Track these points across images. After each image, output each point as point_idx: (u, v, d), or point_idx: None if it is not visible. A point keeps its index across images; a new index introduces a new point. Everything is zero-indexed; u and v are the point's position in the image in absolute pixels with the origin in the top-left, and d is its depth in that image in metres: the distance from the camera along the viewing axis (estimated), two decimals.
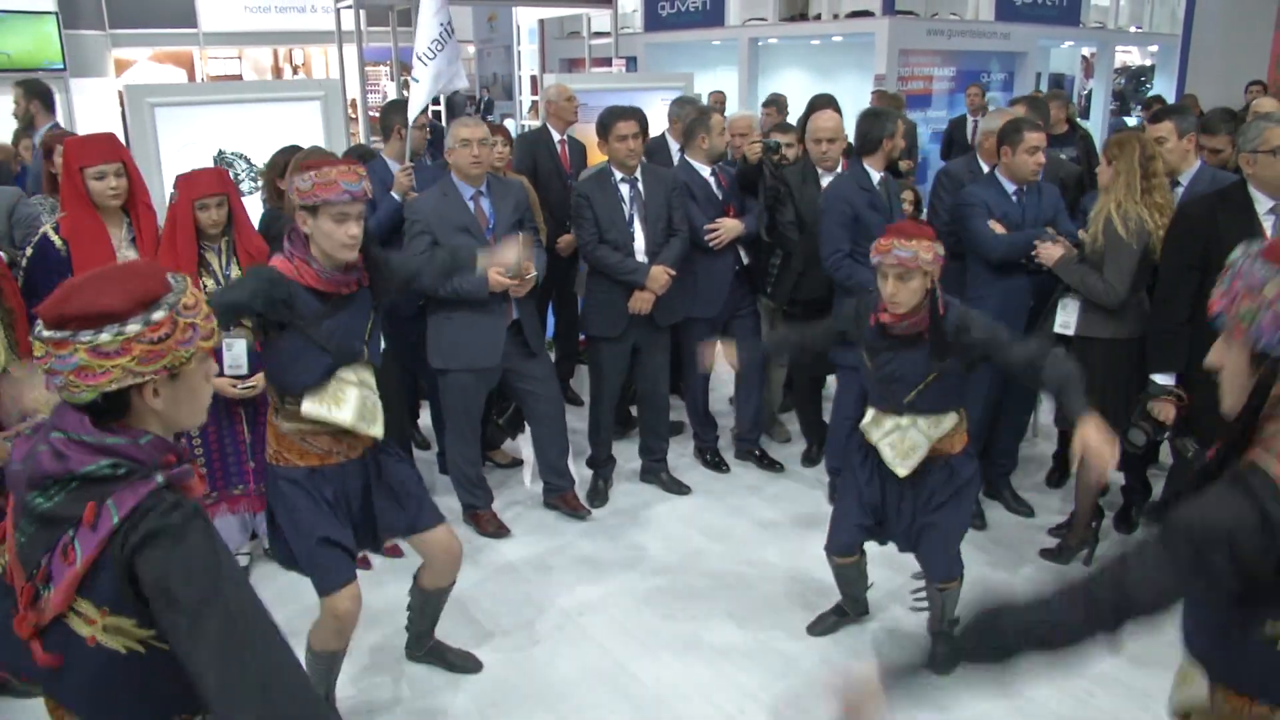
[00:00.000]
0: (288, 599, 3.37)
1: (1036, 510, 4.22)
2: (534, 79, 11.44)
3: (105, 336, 1.31)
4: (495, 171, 4.22)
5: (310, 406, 2.56)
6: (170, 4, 12.68)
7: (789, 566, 3.83)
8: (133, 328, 1.32)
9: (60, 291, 1.36)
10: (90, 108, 11.89)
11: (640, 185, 4.17)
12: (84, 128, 10.52)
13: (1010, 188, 3.88)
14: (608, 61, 9.70)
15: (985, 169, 4.17)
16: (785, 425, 5.14)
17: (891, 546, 3.26)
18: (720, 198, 4.43)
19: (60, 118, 11.47)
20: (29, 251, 3.38)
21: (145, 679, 1.39)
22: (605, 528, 4.19)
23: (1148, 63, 16.17)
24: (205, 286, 3.35)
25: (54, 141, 4.17)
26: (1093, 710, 2.96)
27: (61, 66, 11.65)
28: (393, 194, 4.16)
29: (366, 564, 3.66)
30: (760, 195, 4.47)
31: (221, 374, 3.38)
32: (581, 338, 5.05)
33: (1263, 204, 3.22)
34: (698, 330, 4.53)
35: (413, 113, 4.28)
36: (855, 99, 7.97)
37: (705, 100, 8.03)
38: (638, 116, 4.18)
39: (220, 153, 4.72)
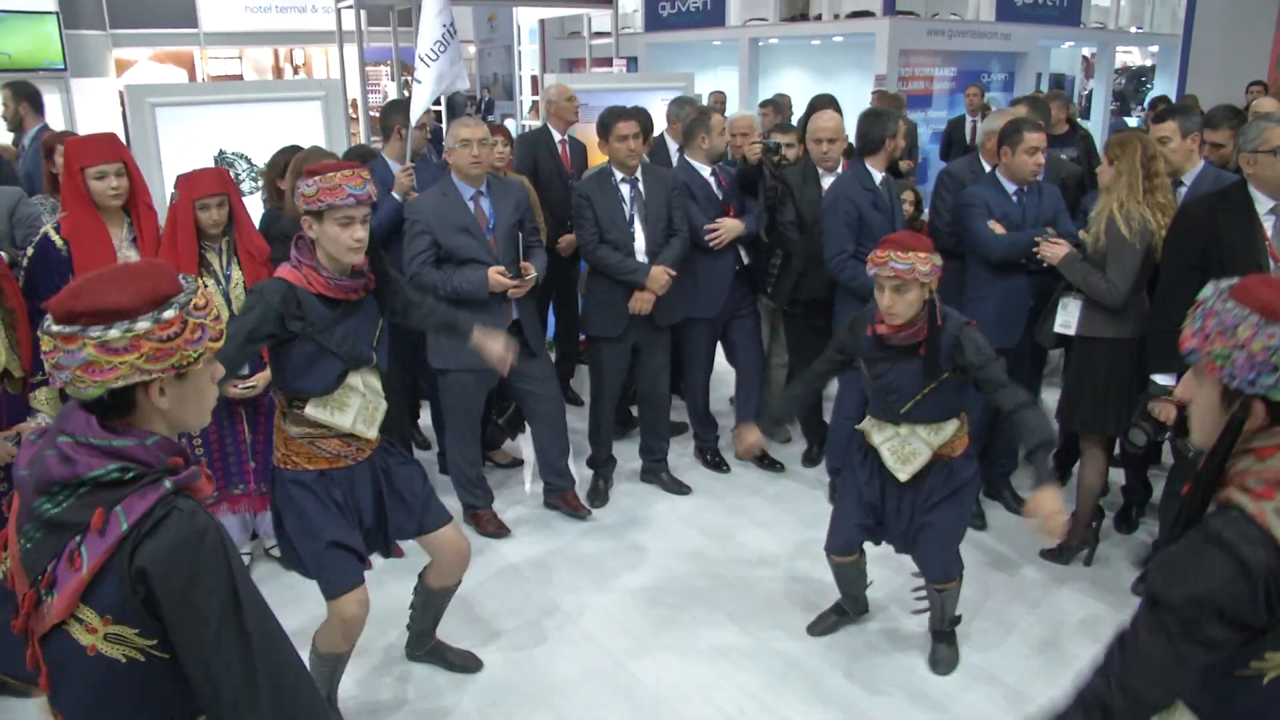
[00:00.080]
0: (288, 599, 3.37)
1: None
2: (534, 79, 11.43)
3: (114, 333, 1.31)
4: (495, 171, 4.22)
5: (313, 410, 2.57)
6: (171, 4, 12.68)
7: (789, 566, 3.83)
8: (142, 325, 1.33)
9: (71, 287, 1.36)
10: (91, 108, 11.90)
11: (641, 185, 4.17)
12: (85, 128, 10.52)
13: (1011, 188, 3.88)
14: (608, 61, 9.70)
15: (987, 169, 4.17)
16: (785, 426, 5.14)
17: (889, 547, 3.26)
18: (720, 198, 4.43)
19: (61, 118, 11.54)
20: (30, 251, 3.38)
21: (142, 687, 1.39)
22: (606, 528, 4.19)
23: (1148, 63, 16.18)
24: (205, 286, 3.35)
25: (54, 141, 4.18)
26: None
27: (62, 66, 11.65)
28: (393, 194, 4.16)
29: (367, 564, 3.66)
30: (760, 196, 4.47)
31: None
32: (582, 338, 5.05)
33: (1263, 204, 3.21)
34: (698, 330, 4.53)
35: (415, 113, 4.28)
36: (856, 99, 7.97)
37: (706, 100, 8.03)
38: (639, 117, 4.18)
39: (221, 153, 4.73)
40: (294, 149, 3.94)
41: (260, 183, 4.47)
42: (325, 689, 2.82)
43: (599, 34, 10.32)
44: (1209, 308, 1.41)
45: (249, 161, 4.77)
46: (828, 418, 4.59)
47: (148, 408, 1.39)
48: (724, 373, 4.99)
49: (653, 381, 4.43)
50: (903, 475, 2.96)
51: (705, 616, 3.50)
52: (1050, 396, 4.80)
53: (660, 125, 5.31)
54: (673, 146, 5.26)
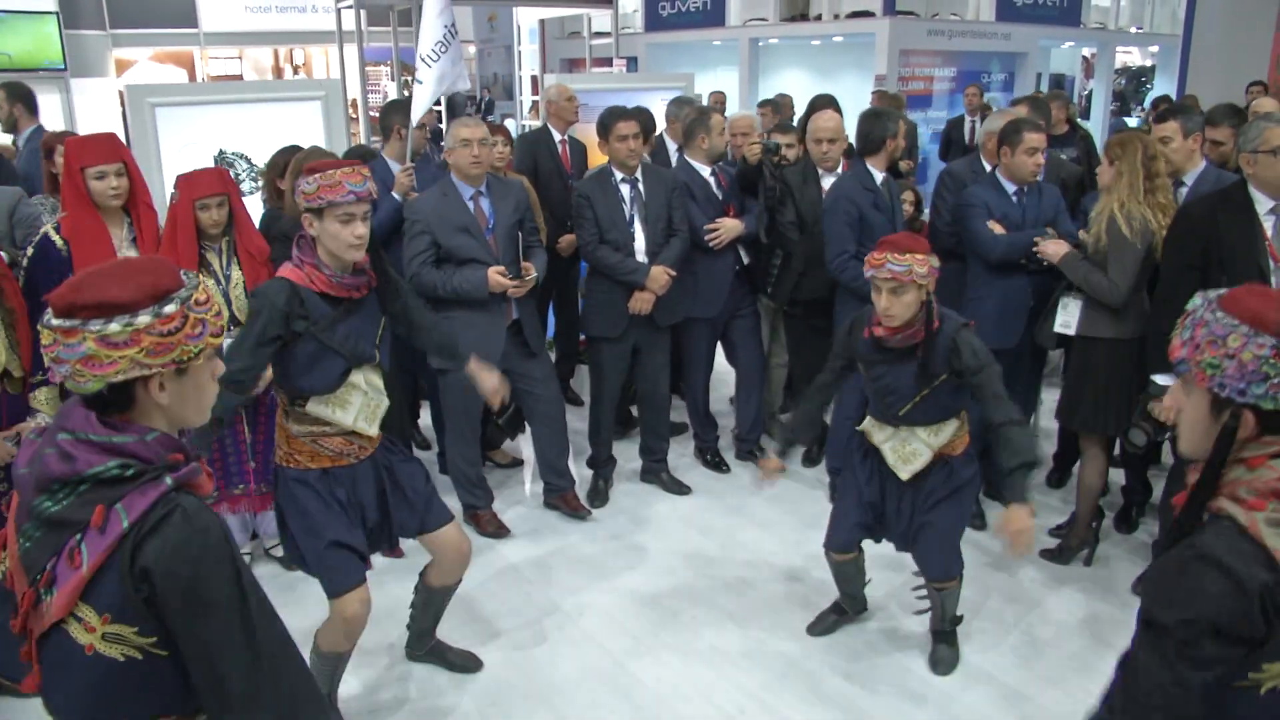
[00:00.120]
0: (289, 600, 3.37)
1: (1037, 510, 4.18)
2: (534, 79, 11.43)
3: (115, 326, 1.31)
4: (495, 172, 4.22)
5: (315, 408, 2.58)
6: (171, 4, 12.68)
7: (789, 566, 3.83)
8: (143, 319, 1.32)
9: (71, 281, 1.36)
10: (91, 108, 11.90)
11: (641, 185, 4.17)
12: (85, 128, 10.52)
13: (1010, 188, 3.88)
14: (608, 62, 9.71)
15: (988, 169, 4.17)
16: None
17: (889, 547, 3.26)
18: (720, 198, 4.43)
19: (61, 118, 11.54)
20: (30, 251, 3.38)
21: (140, 685, 1.38)
22: (606, 528, 4.19)
23: (1148, 63, 16.18)
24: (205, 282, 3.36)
25: (54, 141, 4.18)
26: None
27: (62, 66, 11.66)
28: (393, 194, 4.16)
29: (368, 564, 3.66)
30: (760, 196, 4.47)
31: None
32: (581, 338, 5.05)
33: (1263, 204, 3.22)
34: (698, 330, 4.54)
35: (417, 114, 4.28)
36: (856, 99, 7.98)
37: (705, 101, 8.03)
38: (640, 117, 4.18)
39: (221, 153, 4.73)
40: (294, 149, 3.95)
41: (260, 183, 4.47)
42: (326, 688, 2.82)
43: (599, 34, 10.32)
44: (1198, 318, 1.42)
45: (249, 161, 4.77)
46: (828, 418, 4.59)
47: (148, 403, 1.39)
48: (724, 373, 5.00)
49: (653, 382, 4.43)
50: (904, 474, 2.97)
51: (705, 616, 3.50)
52: (1050, 396, 4.80)
53: (660, 125, 5.32)
54: (672, 146, 5.26)
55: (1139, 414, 3.37)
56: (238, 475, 3.66)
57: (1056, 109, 5.83)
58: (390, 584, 3.47)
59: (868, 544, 3.24)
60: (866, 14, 11.46)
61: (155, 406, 1.39)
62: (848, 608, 3.39)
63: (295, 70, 14.06)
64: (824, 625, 3.38)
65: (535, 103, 10.30)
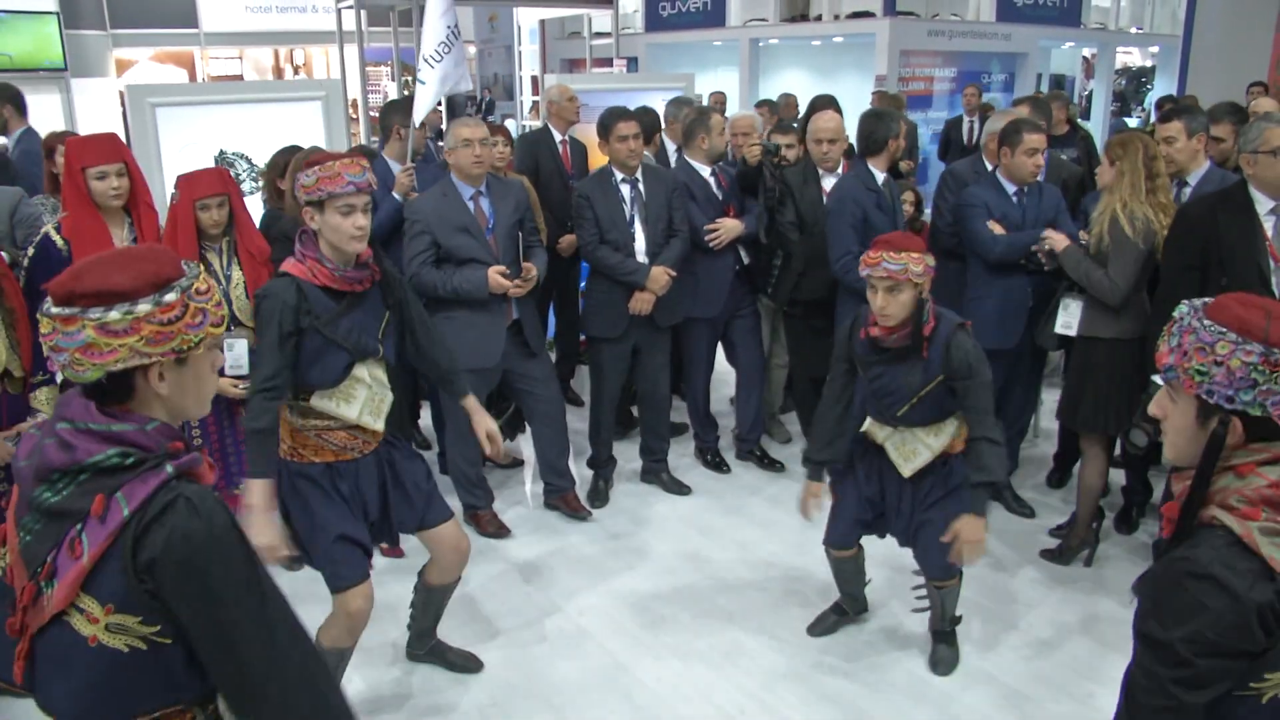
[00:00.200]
0: (289, 599, 3.37)
1: (1037, 511, 4.22)
2: (535, 79, 11.44)
3: (115, 315, 1.30)
4: (496, 172, 4.23)
5: (319, 402, 2.58)
6: (171, 4, 12.70)
7: (789, 566, 3.83)
8: (143, 307, 1.31)
9: (71, 269, 1.35)
10: (91, 108, 11.91)
11: (641, 186, 4.17)
12: (85, 128, 10.53)
13: (1011, 188, 3.88)
14: (609, 62, 9.71)
15: (991, 169, 4.17)
16: (785, 426, 5.14)
17: (890, 546, 3.26)
18: (720, 198, 4.43)
19: (61, 118, 11.55)
20: (31, 251, 3.38)
21: (145, 676, 1.37)
22: (606, 528, 4.19)
23: (1148, 64, 16.19)
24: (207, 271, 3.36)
25: (55, 142, 4.18)
26: (1092, 710, 2.96)
27: (63, 67, 11.67)
28: (394, 194, 4.16)
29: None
30: (760, 197, 4.47)
31: (223, 374, 3.38)
32: (582, 338, 5.05)
33: (1263, 205, 3.22)
34: (698, 330, 4.54)
35: (419, 115, 4.28)
36: (856, 100, 7.99)
37: (706, 101, 8.04)
38: (644, 118, 4.18)
39: (221, 153, 4.73)
40: (294, 149, 3.95)
41: (260, 183, 4.47)
42: None
43: (599, 34, 10.33)
44: (1185, 325, 1.42)
45: (249, 162, 4.77)
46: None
47: (147, 393, 1.38)
48: (724, 373, 5.00)
49: (653, 382, 4.43)
50: (906, 471, 2.97)
51: (705, 616, 3.50)
52: (1050, 397, 4.81)
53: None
54: (671, 147, 5.26)
55: (1140, 414, 3.37)
56: (238, 475, 3.65)
57: (1057, 109, 5.84)
58: (391, 583, 3.47)
59: (868, 544, 3.25)
60: (867, 14, 11.47)
61: (155, 397, 1.38)
62: (848, 608, 3.39)
63: (296, 70, 14.07)
64: (824, 625, 3.38)
65: (535, 103, 10.30)
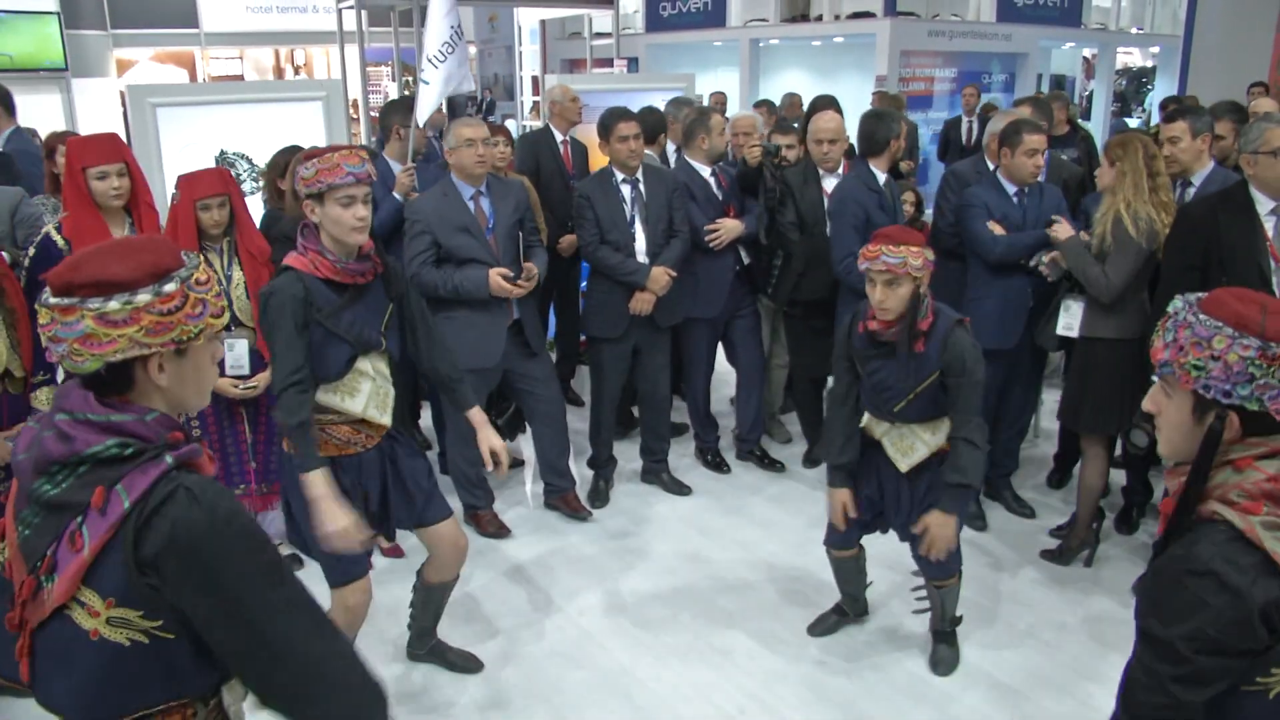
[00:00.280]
0: None
1: (1037, 511, 4.22)
2: (535, 79, 11.45)
3: (114, 305, 1.29)
4: (496, 172, 4.23)
5: (323, 396, 2.58)
6: (172, 4, 12.70)
7: (789, 567, 3.83)
8: (143, 298, 1.30)
9: (70, 259, 1.34)
10: (92, 108, 11.92)
11: (641, 186, 4.17)
12: (86, 128, 10.54)
13: (1011, 189, 3.88)
14: (609, 62, 9.72)
15: (992, 169, 4.17)
16: (785, 426, 5.14)
17: (890, 547, 3.26)
18: (720, 198, 4.44)
19: (61, 118, 11.55)
20: (31, 251, 3.39)
21: (148, 670, 1.36)
22: (606, 528, 4.19)
23: (1149, 64, 16.19)
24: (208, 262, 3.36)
25: (56, 142, 4.18)
26: (1092, 711, 2.96)
27: (63, 67, 11.67)
28: (394, 194, 4.16)
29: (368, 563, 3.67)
30: (760, 198, 4.47)
31: (223, 374, 3.39)
32: (582, 338, 5.05)
33: (1264, 205, 3.22)
34: (699, 331, 4.54)
35: (424, 115, 4.28)
36: (856, 100, 7.99)
37: (706, 101, 8.04)
38: (649, 118, 4.17)
39: (222, 153, 4.73)
40: (294, 149, 3.94)
41: (261, 183, 4.47)
42: None
43: (600, 34, 10.33)
44: (1180, 320, 1.41)
45: (250, 162, 4.77)
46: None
47: (146, 385, 1.37)
48: (724, 373, 5.00)
49: (653, 382, 4.43)
50: (903, 466, 2.97)
51: (705, 617, 3.50)
52: (1050, 397, 4.81)
53: None
54: (670, 147, 5.26)
55: (1140, 414, 3.37)
56: (239, 475, 3.66)
57: (1057, 109, 5.84)
58: (391, 583, 3.47)
59: (868, 544, 3.25)
60: (867, 15, 11.47)
61: (154, 388, 1.37)
62: (849, 609, 3.39)
63: (296, 70, 14.07)
64: (824, 626, 3.38)
65: (536, 103, 10.31)
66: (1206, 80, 9.72)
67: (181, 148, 4.55)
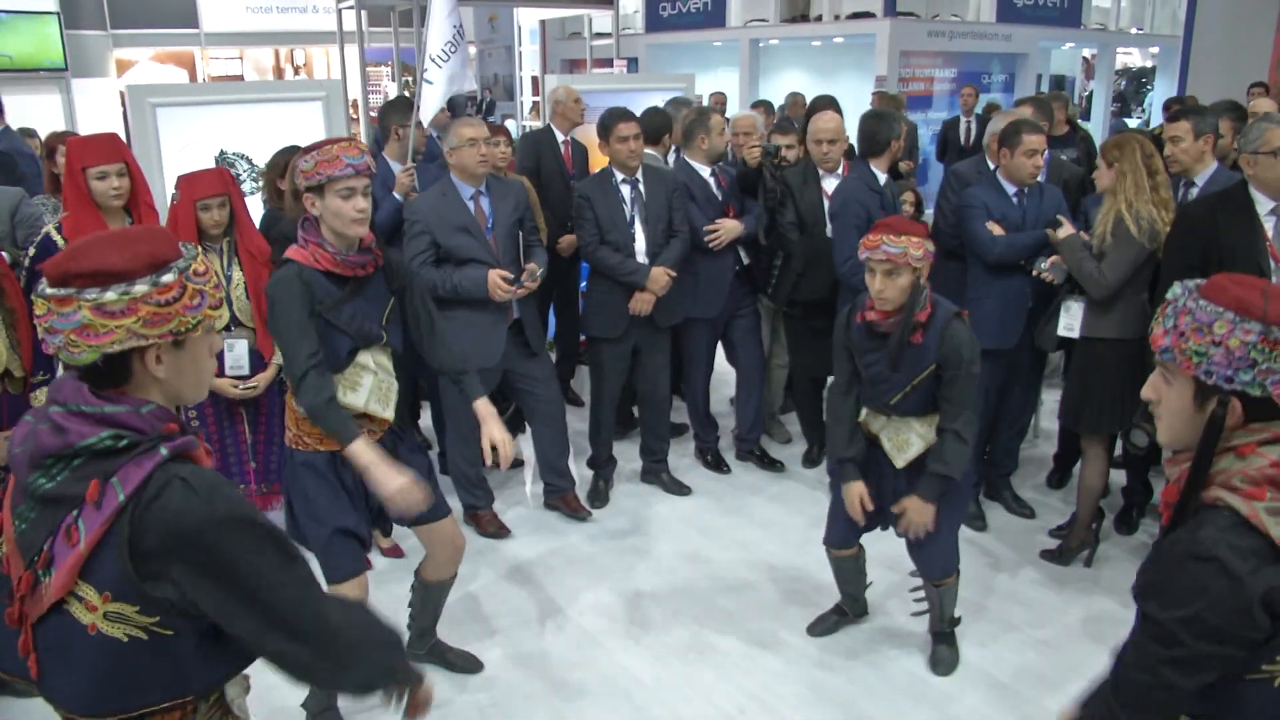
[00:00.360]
0: None
1: (1037, 511, 4.22)
2: (535, 80, 11.45)
3: (111, 295, 1.28)
4: (497, 172, 4.23)
5: None
6: (172, 4, 12.71)
7: (789, 567, 3.83)
8: (140, 288, 1.30)
9: (67, 249, 1.33)
10: (92, 108, 11.92)
11: (641, 186, 4.17)
12: (85, 128, 10.54)
13: (1011, 189, 3.88)
14: (609, 62, 9.72)
15: (993, 169, 4.17)
16: (785, 426, 5.14)
17: (890, 547, 3.26)
18: (720, 198, 4.44)
19: (61, 118, 11.54)
20: (31, 251, 3.39)
21: (148, 667, 1.35)
22: (606, 528, 4.19)
23: (1149, 64, 16.19)
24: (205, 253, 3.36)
25: (56, 142, 4.19)
26: None
27: (63, 67, 11.68)
28: (394, 194, 4.16)
29: (368, 563, 3.67)
30: (760, 198, 4.47)
31: (222, 374, 3.39)
32: (582, 338, 5.05)
33: (1264, 205, 3.22)
34: (698, 331, 4.54)
35: (428, 115, 4.28)
36: (856, 100, 7.99)
37: (706, 101, 8.04)
38: (654, 119, 4.17)
39: (222, 153, 4.73)
40: (294, 149, 3.94)
41: (261, 183, 4.47)
42: None
43: (600, 35, 10.34)
44: (1180, 306, 1.41)
45: (250, 162, 4.77)
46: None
47: (144, 377, 1.36)
48: (724, 373, 5.00)
49: (653, 382, 4.43)
50: (899, 462, 2.96)
51: (705, 617, 3.50)
52: (1050, 397, 4.81)
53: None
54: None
55: (1141, 415, 3.38)
56: (239, 475, 3.66)
57: (1057, 109, 5.85)
58: (391, 583, 3.47)
59: (868, 544, 3.24)
60: (867, 15, 11.47)
61: (152, 380, 1.36)
62: (848, 609, 3.39)
63: (296, 71, 14.08)
64: (824, 626, 3.38)
65: (536, 103, 10.31)
66: (1206, 80, 9.72)
67: (181, 148, 4.55)
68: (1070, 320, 3.67)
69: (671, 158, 5.09)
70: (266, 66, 13.94)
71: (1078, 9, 13.27)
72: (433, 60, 4.23)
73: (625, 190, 4.16)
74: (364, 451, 2.47)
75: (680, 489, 4.52)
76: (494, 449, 2.77)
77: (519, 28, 11.20)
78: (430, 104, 4.27)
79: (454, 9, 4.27)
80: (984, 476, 4.27)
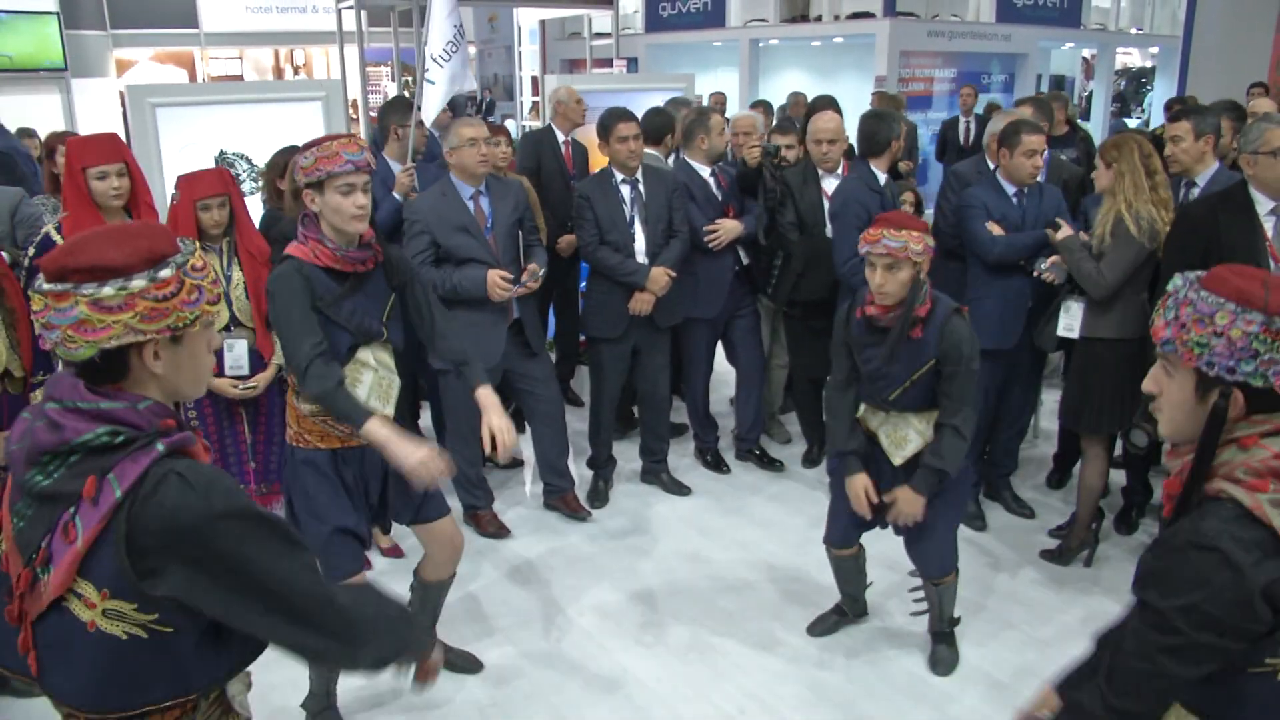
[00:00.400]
0: None
1: (1037, 511, 4.22)
2: (535, 80, 11.45)
3: (108, 290, 1.28)
4: (497, 172, 4.23)
5: None
6: (171, 4, 12.71)
7: (789, 567, 3.83)
8: (138, 283, 1.29)
9: (64, 244, 1.32)
10: (91, 108, 11.92)
11: (641, 186, 4.17)
12: (85, 128, 10.54)
13: (1010, 189, 3.88)
14: (609, 62, 9.72)
15: (993, 169, 4.17)
16: (785, 426, 5.14)
17: (889, 547, 3.26)
18: (720, 198, 4.44)
19: (61, 118, 11.54)
20: (31, 251, 3.39)
21: (148, 665, 1.35)
22: (606, 528, 4.19)
23: (1148, 64, 16.19)
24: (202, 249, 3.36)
25: (55, 142, 4.18)
26: None
27: (63, 67, 11.67)
28: (394, 194, 4.16)
29: (367, 564, 3.67)
30: (760, 198, 4.47)
31: (222, 374, 3.39)
32: (582, 338, 5.05)
33: (1263, 205, 3.22)
34: (698, 331, 4.54)
35: (431, 115, 4.28)
36: (856, 100, 7.99)
37: (706, 101, 8.04)
38: (657, 119, 4.16)
39: (221, 153, 4.73)
40: (294, 149, 3.93)
41: (260, 183, 4.47)
42: (325, 681, 2.83)
43: (599, 35, 10.34)
44: (1181, 297, 1.41)
45: (249, 162, 4.77)
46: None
47: (142, 373, 1.35)
48: (724, 373, 5.00)
49: (652, 382, 4.43)
50: (897, 459, 2.96)
51: (705, 617, 3.50)
52: (1050, 397, 4.82)
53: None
54: None
55: (1140, 414, 3.38)
56: (238, 475, 3.65)
57: (1057, 110, 5.84)
58: (391, 584, 3.45)
59: (868, 544, 3.24)
60: (867, 15, 11.47)
61: (150, 376, 1.36)
62: (848, 609, 3.39)
63: (296, 71, 14.08)
64: (824, 626, 3.38)
65: (535, 103, 10.31)
66: (1206, 80, 9.73)
67: (181, 148, 4.55)
68: (1070, 320, 3.67)
69: (671, 158, 5.09)
70: (266, 66, 13.94)
71: (1077, 9, 13.27)
72: (434, 60, 4.23)
73: (625, 190, 4.16)
74: (380, 429, 2.45)
75: (680, 489, 4.52)
76: (494, 441, 2.73)
77: (519, 28, 11.20)
78: (433, 104, 4.27)
79: (454, 9, 4.27)
80: (984, 477, 4.27)
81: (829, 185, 4.30)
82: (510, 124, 9.29)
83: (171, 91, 5.76)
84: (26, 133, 7.09)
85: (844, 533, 3.15)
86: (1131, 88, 16.31)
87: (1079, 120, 9.24)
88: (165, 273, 1.32)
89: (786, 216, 4.36)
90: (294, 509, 2.66)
